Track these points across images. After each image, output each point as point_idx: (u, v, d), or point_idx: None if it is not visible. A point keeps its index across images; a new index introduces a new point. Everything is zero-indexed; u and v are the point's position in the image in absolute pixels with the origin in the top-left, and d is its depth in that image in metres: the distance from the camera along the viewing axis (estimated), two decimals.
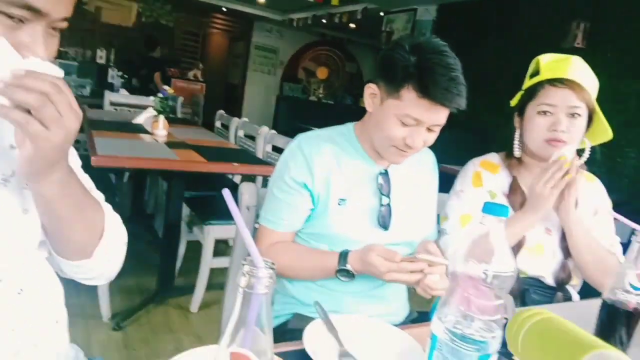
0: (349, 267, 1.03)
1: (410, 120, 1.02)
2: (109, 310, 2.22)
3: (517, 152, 1.33)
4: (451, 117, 1.06)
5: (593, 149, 1.33)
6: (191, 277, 2.49)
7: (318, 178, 1.11)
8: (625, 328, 0.83)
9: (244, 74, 8.88)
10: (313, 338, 0.79)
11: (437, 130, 1.07)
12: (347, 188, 1.13)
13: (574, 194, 1.22)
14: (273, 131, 2.96)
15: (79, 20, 6.70)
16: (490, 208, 0.66)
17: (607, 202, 1.36)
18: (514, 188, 1.31)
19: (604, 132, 1.30)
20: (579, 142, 1.27)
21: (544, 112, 1.24)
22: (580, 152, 1.32)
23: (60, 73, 0.58)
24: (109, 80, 6.54)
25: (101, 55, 7.29)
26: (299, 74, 9.15)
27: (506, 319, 0.87)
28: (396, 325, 0.92)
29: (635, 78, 3.29)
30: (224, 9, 8.18)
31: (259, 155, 2.91)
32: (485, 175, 1.34)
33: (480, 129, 3.62)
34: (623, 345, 0.84)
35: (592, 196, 1.34)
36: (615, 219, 1.26)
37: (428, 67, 0.98)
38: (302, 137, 1.16)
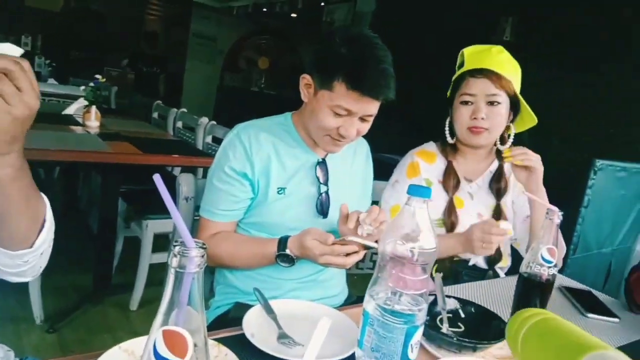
0: (288, 252, 1.05)
1: (342, 110, 1.05)
2: (42, 312, 2.11)
3: (449, 139, 1.41)
4: (393, 108, 1.10)
5: (520, 135, 1.41)
6: (130, 275, 2.41)
7: (257, 167, 1.12)
8: (539, 297, 0.92)
9: (183, 63, 8.62)
10: (252, 323, 0.81)
11: (370, 120, 1.11)
12: (286, 177, 1.15)
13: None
14: (213, 122, 2.92)
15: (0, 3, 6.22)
16: (414, 190, 0.71)
17: None
18: (448, 172, 1.39)
19: (530, 118, 1.38)
20: (500, 129, 1.35)
21: (466, 102, 1.32)
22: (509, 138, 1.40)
23: (17, 51, 0.61)
24: (36, 69, 6.13)
25: (26, 42, 6.81)
26: (239, 64, 9.00)
27: (433, 294, 0.93)
28: (335, 308, 0.96)
29: (561, 69, 3.52)
30: None
31: (199, 146, 2.86)
32: (422, 165, 1.40)
33: (420, 119, 3.75)
34: None
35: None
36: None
37: (358, 60, 1.02)
38: (240, 127, 1.17)
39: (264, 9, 7.93)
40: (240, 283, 1.17)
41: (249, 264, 1.14)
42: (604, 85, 3.47)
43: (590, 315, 1.14)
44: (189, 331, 0.41)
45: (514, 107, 1.34)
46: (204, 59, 8.83)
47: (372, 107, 1.07)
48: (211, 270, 1.34)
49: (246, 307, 1.07)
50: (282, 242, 1.07)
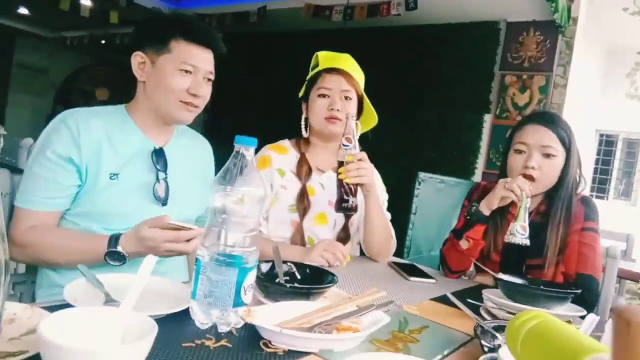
0: (119, 248, 0.98)
1: (188, 66, 1.10)
2: None
3: (304, 133, 1.51)
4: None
5: (365, 135, 1.54)
6: None
7: (86, 152, 1.05)
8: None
9: (5, 95, 7.63)
10: (75, 291, 0.75)
11: (210, 81, 1.17)
12: (120, 163, 1.10)
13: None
14: None
15: None
16: (240, 140, 0.75)
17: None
18: (301, 162, 1.48)
19: (372, 117, 1.56)
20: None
21: (323, 95, 1.45)
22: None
23: None
24: None
25: None
26: (73, 97, 8.24)
27: (272, 260, 0.96)
28: None
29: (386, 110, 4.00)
30: None
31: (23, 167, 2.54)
32: (274, 157, 1.48)
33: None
34: None
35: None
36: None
37: (187, 21, 1.15)
38: (67, 113, 1.10)
39: (103, 41, 7.49)
40: (67, 281, 1.05)
41: (75, 261, 1.02)
42: (423, 121, 4.06)
43: (412, 278, 1.29)
44: None
45: (360, 107, 1.50)
46: (32, 91, 7.96)
47: (209, 63, 1.15)
48: (32, 279, 1.19)
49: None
50: (114, 239, 0.99)
